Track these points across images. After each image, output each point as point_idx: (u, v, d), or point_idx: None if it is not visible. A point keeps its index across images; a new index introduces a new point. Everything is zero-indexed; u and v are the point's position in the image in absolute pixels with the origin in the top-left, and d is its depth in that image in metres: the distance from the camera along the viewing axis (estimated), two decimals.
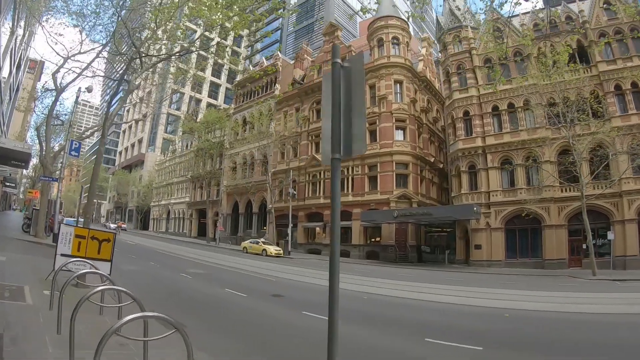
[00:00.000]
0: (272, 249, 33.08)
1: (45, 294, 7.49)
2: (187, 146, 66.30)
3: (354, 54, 41.26)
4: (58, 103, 22.21)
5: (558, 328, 9.11)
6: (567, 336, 8.50)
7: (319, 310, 9.11)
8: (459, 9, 37.48)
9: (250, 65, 62.61)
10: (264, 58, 59.76)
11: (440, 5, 38.02)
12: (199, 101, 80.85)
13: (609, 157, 26.09)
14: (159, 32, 14.65)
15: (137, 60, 13.50)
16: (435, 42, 40.73)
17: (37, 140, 26.76)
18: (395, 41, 39.96)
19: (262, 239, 36.33)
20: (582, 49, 30.26)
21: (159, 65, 18.45)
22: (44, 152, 23.78)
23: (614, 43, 29.60)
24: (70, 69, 23.29)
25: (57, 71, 20.86)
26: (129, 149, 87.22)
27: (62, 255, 8.04)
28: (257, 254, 33.09)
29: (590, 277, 22.22)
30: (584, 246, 27.72)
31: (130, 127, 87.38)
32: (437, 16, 38.72)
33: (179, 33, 14.88)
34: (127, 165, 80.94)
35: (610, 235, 25.31)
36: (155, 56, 14.82)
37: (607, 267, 24.50)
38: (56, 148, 30.28)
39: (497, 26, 35.81)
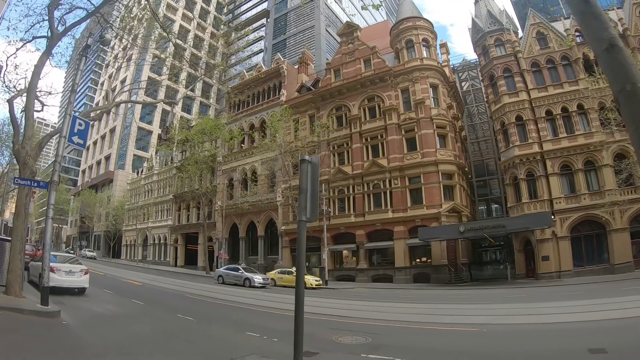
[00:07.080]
0: (312, 280, 27.53)
1: None
2: (165, 162, 59.04)
3: (379, 55, 37.59)
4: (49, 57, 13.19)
5: None
6: None
7: None
8: (492, 14, 34.97)
9: (245, 71, 56.75)
10: (261, 62, 54.62)
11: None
12: (173, 114, 74.39)
13: None
14: None
15: None
16: (472, 45, 37.62)
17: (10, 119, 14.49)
18: (425, 43, 36.63)
19: (294, 268, 30.62)
20: None
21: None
22: (20, 138, 12.88)
23: None
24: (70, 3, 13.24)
25: (57, 5, 12.71)
26: (93, 167, 77.84)
27: None
28: (289, 286, 26.88)
29: None
30: None
31: (95, 143, 78.35)
32: (472, 18, 35.85)
33: None
34: (93, 185, 71.71)
35: None
36: None
37: None
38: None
39: (539, 30, 33.75)
